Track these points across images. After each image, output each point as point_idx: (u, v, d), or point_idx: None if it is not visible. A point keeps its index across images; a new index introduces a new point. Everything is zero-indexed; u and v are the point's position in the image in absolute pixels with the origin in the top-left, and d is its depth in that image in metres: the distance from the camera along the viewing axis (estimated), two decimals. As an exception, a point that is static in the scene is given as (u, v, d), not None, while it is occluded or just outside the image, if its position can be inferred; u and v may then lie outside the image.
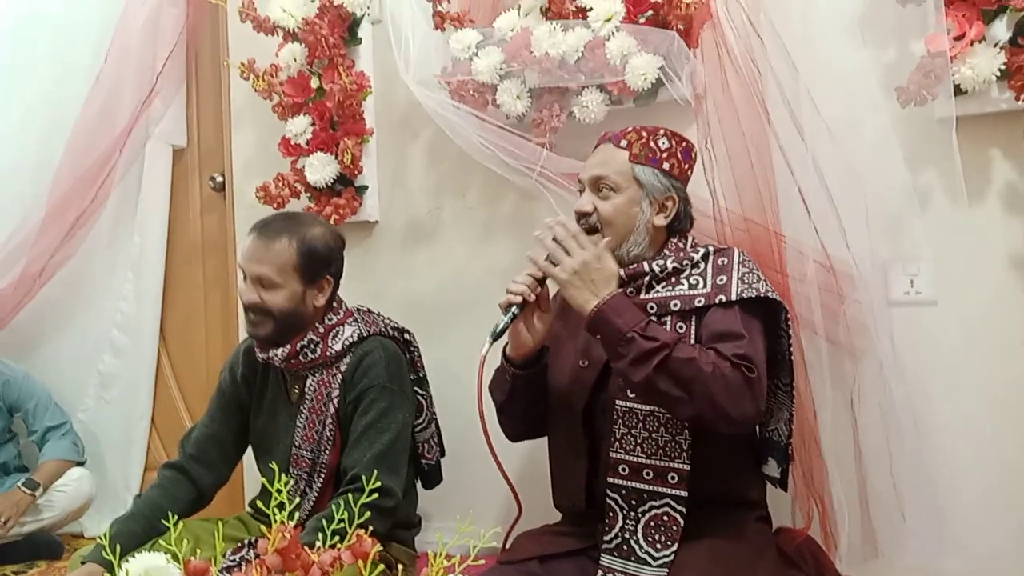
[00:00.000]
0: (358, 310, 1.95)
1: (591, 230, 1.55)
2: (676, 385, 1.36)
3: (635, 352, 1.38)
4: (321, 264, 1.82)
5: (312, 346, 1.82)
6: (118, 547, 1.31)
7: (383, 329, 1.90)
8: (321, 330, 1.83)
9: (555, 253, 1.47)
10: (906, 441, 1.70)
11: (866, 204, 1.73)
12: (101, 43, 2.69)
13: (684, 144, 1.61)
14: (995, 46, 1.67)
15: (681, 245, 1.60)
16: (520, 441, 1.77)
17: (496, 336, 1.52)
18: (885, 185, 1.78)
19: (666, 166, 1.57)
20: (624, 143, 1.58)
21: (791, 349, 1.55)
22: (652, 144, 1.57)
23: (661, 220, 1.57)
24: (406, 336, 1.97)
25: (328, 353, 1.83)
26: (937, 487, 1.69)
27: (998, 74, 1.66)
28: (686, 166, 1.61)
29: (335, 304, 1.89)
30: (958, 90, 1.68)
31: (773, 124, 1.77)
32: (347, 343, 1.84)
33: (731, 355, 1.39)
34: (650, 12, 1.93)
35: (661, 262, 1.54)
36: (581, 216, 1.58)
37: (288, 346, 1.81)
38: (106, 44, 2.67)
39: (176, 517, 1.13)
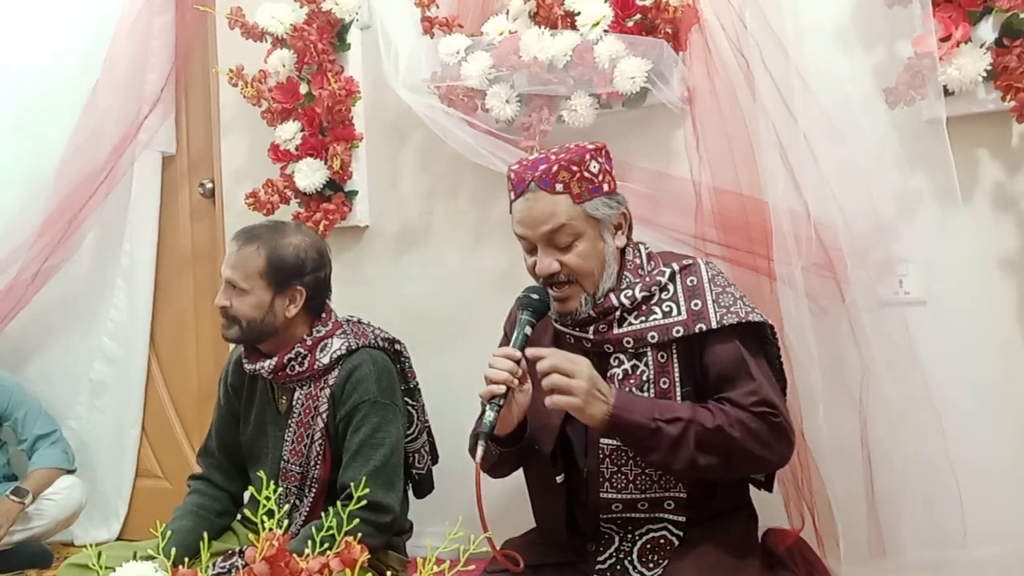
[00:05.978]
0: (347, 321, 1.91)
1: (567, 283, 1.46)
2: (714, 456, 1.35)
3: (667, 440, 1.35)
4: (291, 273, 1.77)
5: (299, 359, 1.79)
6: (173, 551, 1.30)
7: (373, 340, 1.86)
8: (309, 342, 1.80)
9: (559, 383, 1.34)
10: (892, 441, 1.71)
11: (854, 204, 1.74)
12: (88, 55, 2.68)
13: (604, 152, 1.50)
14: (981, 47, 1.68)
15: (638, 262, 1.52)
16: None
17: (489, 435, 1.37)
18: (873, 186, 1.79)
19: (606, 187, 1.48)
20: (560, 186, 1.44)
21: (780, 358, 1.54)
22: (586, 175, 1.45)
23: (622, 240, 1.51)
24: (396, 347, 1.94)
25: (316, 366, 1.79)
26: (931, 483, 1.70)
27: (984, 75, 1.67)
28: (610, 167, 1.51)
29: (323, 316, 1.85)
30: (945, 91, 1.69)
31: (761, 125, 1.77)
32: (335, 356, 1.80)
33: (748, 405, 1.38)
34: (638, 16, 1.94)
35: (629, 292, 1.47)
36: (549, 277, 1.46)
37: (275, 358, 1.78)
38: (94, 56, 2.66)
39: (165, 525, 1.12)
